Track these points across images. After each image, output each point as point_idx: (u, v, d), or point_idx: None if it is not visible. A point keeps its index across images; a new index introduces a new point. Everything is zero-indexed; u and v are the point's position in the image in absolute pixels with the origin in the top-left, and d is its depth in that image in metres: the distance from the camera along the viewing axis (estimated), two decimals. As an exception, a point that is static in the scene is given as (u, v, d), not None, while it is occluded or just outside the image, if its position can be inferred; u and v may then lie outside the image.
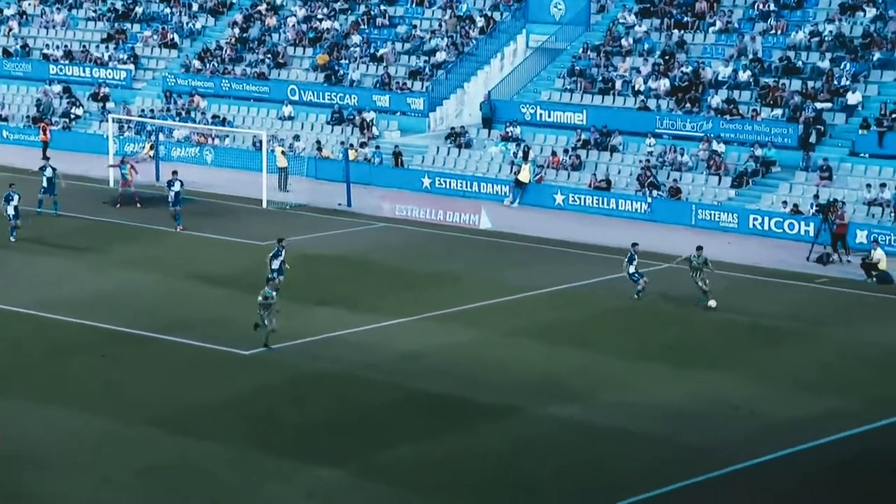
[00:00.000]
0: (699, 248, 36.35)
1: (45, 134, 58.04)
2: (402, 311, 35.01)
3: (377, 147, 54.05)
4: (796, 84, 49.77)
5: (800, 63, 50.58)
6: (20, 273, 39.10)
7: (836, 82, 49.18)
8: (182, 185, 45.19)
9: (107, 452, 25.63)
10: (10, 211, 41.99)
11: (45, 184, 46.00)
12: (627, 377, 30.01)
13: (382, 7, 60.77)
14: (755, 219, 45.45)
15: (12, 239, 41.79)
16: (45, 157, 56.58)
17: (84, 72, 62.69)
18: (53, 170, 46.64)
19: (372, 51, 58.65)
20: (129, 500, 23.62)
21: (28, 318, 34.08)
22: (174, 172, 45.87)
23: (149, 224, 45.14)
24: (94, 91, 61.37)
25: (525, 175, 49.65)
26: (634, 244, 37.07)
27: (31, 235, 42.99)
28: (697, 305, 35.62)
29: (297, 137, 55.09)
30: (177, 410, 27.74)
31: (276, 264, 35.05)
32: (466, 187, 50.77)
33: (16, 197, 42.31)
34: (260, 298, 31.24)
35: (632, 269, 36.44)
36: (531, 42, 57.53)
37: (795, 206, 45.15)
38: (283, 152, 51.74)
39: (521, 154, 50.66)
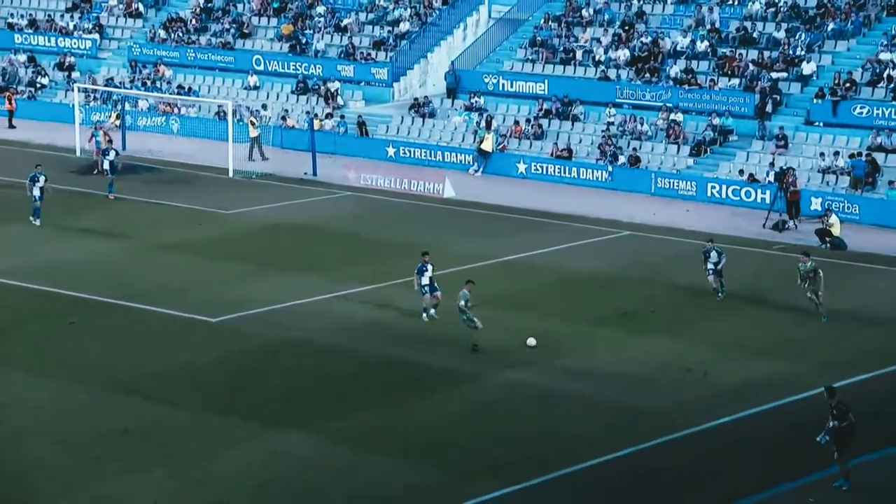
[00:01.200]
0: (806, 255, 32.85)
1: (10, 103, 57.69)
2: (365, 280, 35.03)
3: (342, 117, 53.90)
4: (753, 54, 49.90)
5: (756, 33, 50.70)
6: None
7: (791, 52, 49.31)
8: (117, 154, 45.05)
9: (65, 416, 25.62)
10: (36, 192, 41.43)
11: (37, 192, 41.72)
12: (584, 343, 30.15)
13: (347, -22, 60.56)
14: (713, 187, 45.62)
15: (36, 222, 41.01)
16: (11, 125, 56.40)
17: (49, 41, 62.26)
18: (45, 178, 42.55)
19: (336, 21, 58.41)
20: (83, 459, 23.61)
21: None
22: (109, 141, 45.77)
23: (117, 194, 44.89)
24: (60, 60, 60.93)
25: (488, 144, 49.66)
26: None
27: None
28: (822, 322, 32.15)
29: (263, 107, 54.86)
30: (139, 376, 27.71)
31: (424, 280, 31.55)
32: (430, 156, 50.75)
33: (41, 178, 41.69)
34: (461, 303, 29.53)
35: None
36: (493, 13, 57.51)
37: (752, 174, 45.34)
38: (253, 122, 51.50)
39: (484, 123, 50.65)
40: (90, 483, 22.68)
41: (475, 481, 22.92)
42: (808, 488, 22.66)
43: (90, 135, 48.95)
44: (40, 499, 22.05)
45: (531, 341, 29.68)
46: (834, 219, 40.13)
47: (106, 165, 44.34)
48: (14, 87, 59.88)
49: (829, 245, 39.54)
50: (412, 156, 50.85)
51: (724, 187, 45.47)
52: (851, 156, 44.70)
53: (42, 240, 39.05)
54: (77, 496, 22.14)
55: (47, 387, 27.01)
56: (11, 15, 64.29)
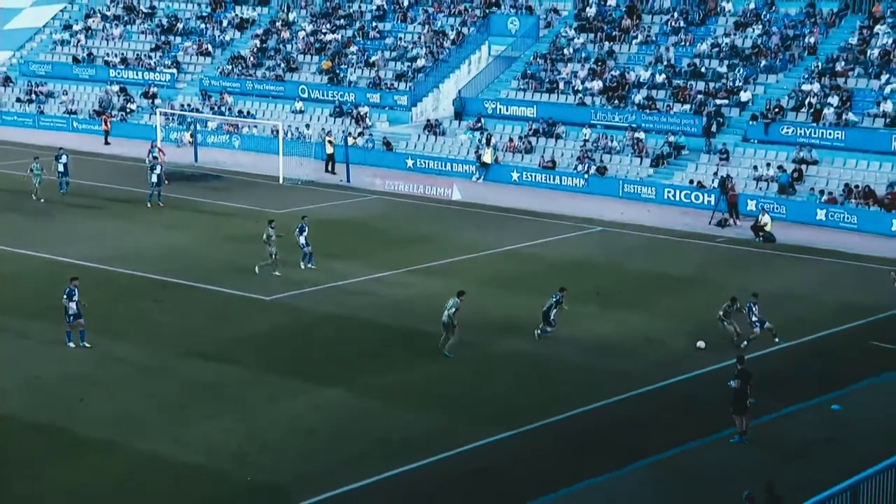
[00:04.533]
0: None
1: (106, 125, 57.76)
2: (391, 265, 35.09)
3: (370, 135, 53.90)
4: (701, 85, 49.83)
5: (703, 68, 50.63)
6: (79, 233, 38.90)
7: (731, 84, 49.25)
8: (162, 168, 43.48)
9: (153, 375, 25.71)
10: (60, 168, 41.59)
11: (60, 168, 43.65)
12: (567, 317, 30.15)
13: (374, 23, 60.48)
14: (669, 191, 45.60)
15: (62, 192, 41.35)
16: (107, 142, 56.48)
17: (137, 75, 62.28)
18: (68, 156, 44.50)
19: (366, 58, 58.39)
20: (168, 409, 23.69)
21: (90, 269, 33.91)
22: (154, 158, 44.32)
23: (190, 197, 44.93)
24: (145, 90, 60.98)
25: (488, 157, 49.63)
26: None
27: (84, 203, 42.77)
28: None
29: (307, 126, 54.90)
30: (210, 343, 27.79)
31: (551, 312, 28.19)
32: (441, 167, 50.74)
33: (65, 156, 41.90)
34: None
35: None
36: (493, 51, 57.42)
37: (699, 182, 45.32)
38: (330, 142, 51.24)
39: (484, 140, 50.62)
40: (174, 428, 22.78)
41: (481, 427, 22.99)
42: (719, 442, 22.41)
43: (147, 150, 48.81)
44: (135, 440, 22.12)
45: (701, 344, 27.49)
46: (767, 217, 40.11)
47: (154, 178, 42.89)
48: (109, 111, 59.95)
49: (762, 238, 39.55)
50: (427, 166, 50.84)
51: (677, 192, 45.44)
52: (779, 168, 44.66)
53: (130, 233, 39.09)
54: (164, 438, 22.23)
55: (139, 351, 27.10)
56: (107, 54, 64.37)
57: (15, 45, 66.97)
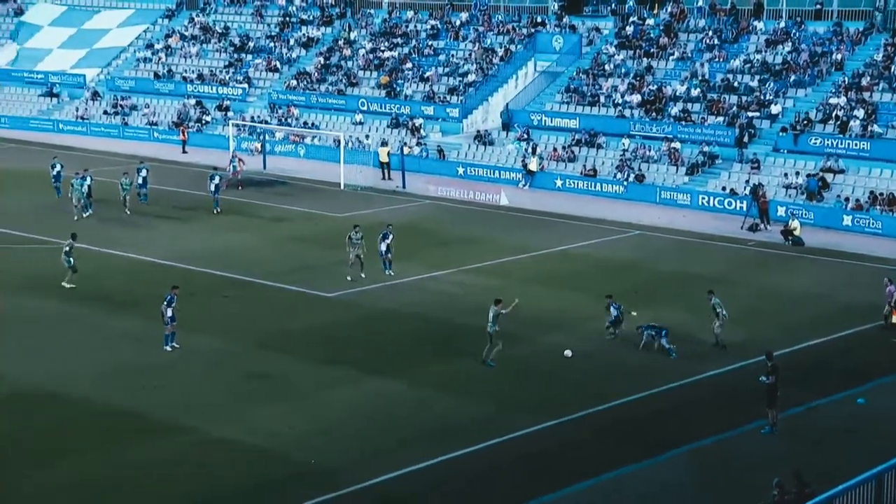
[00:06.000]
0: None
1: (183, 135, 58.21)
2: (443, 265, 34.96)
3: (425, 144, 53.82)
4: (733, 98, 49.14)
5: (736, 83, 49.94)
6: (157, 234, 39.23)
7: (762, 97, 48.54)
8: (221, 178, 42.76)
9: (222, 363, 25.77)
10: (139, 180, 41.93)
11: (139, 180, 43.29)
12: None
13: (429, 41, 60.41)
14: (703, 198, 45.00)
15: (143, 202, 41.73)
16: (184, 151, 56.95)
17: (212, 89, 62.71)
18: (147, 170, 44.34)
19: (421, 73, 58.34)
20: (235, 396, 23.69)
21: (165, 266, 34.11)
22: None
23: (258, 201, 45.17)
24: (219, 103, 61.39)
25: (533, 165, 49.33)
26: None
27: (163, 206, 43.14)
28: None
29: (366, 136, 54.95)
30: (275, 335, 27.81)
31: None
32: (490, 174, 50.51)
33: (145, 169, 42.17)
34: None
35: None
36: (538, 67, 57.08)
37: (732, 189, 44.69)
38: (388, 152, 51.16)
39: (530, 150, 50.33)
40: (241, 414, 22.79)
41: (525, 416, 22.77)
42: (750, 433, 22.03)
43: (229, 160, 48.98)
44: (204, 425, 22.18)
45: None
46: (796, 223, 39.49)
47: (212, 188, 42.46)
48: (186, 123, 60.43)
49: (791, 242, 38.90)
50: (476, 174, 50.64)
51: (711, 198, 44.83)
52: (808, 175, 43.91)
53: (202, 234, 39.32)
54: (231, 423, 22.25)
55: (209, 342, 27.22)
56: (185, 71, 64.94)
57: (103, 62, 67.77)
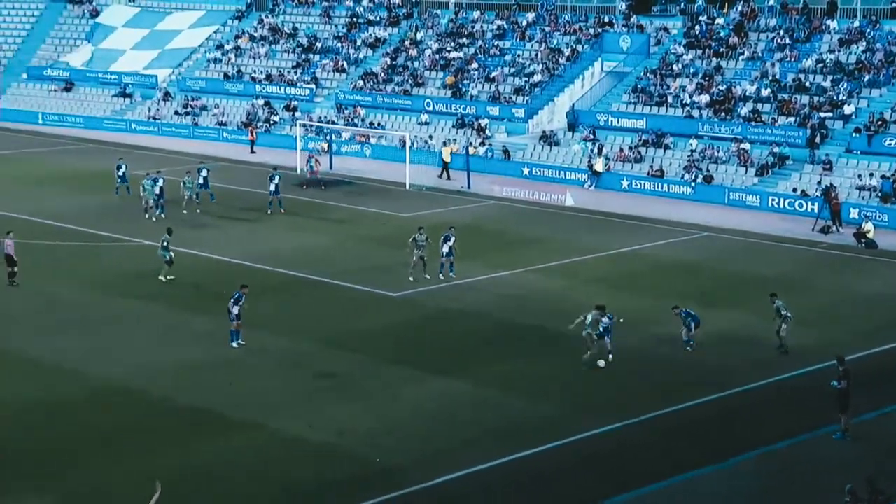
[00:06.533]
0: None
1: (252, 135, 58.91)
2: (508, 265, 34.92)
3: (490, 144, 53.80)
4: (805, 99, 48.35)
5: (808, 83, 49.12)
6: (227, 234, 39.72)
7: (835, 97, 47.67)
8: (280, 178, 42.51)
9: (291, 362, 26.01)
10: (200, 180, 42.67)
11: (200, 181, 43.46)
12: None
13: (495, 42, 60.38)
14: (773, 199, 44.35)
15: (197, 201, 42.22)
16: (253, 151, 57.64)
17: (280, 90, 63.39)
18: (208, 170, 44.48)
19: (486, 74, 58.34)
20: (303, 394, 23.92)
21: (234, 265, 34.52)
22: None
23: (324, 201, 45.55)
24: (287, 104, 62.04)
25: (599, 166, 49.05)
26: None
27: (231, 206, 43.59)
28: None
29: (430, 137, 55.08)
30: (342, 334, 28.01)
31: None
32: (555, 175, 50.33)
33: (205, 169, 42.89)
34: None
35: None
36: (605, 67, 56.73)
37: (803, 190, 43.97)
38: (451, 152, 51.29)
39: (596, 150, 50.04)
40: (309, 411, 23.00)
41: (590, 417, 22.66)
42: (821, 438, 21.68)
43: (306, 160, 49.47)
44: (275, 422, 22.44)
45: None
46: (869, 225, 38.77)
47: (272, 187, 42.53)
48: (255, 123, 61.16)
49: (864, 244, 38.17)
50: (542, 174, 50.49)
51: (781, 200, 44.16)
52: (882, 177, 43.03)
53: (269, 233, 39.73)
54: (300, 421, 22.47)
55: (278, 341, 27.51)
56: (254, 71, 65.74)
57: (174, 63, 68.94)
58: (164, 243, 32.39)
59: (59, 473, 20.09)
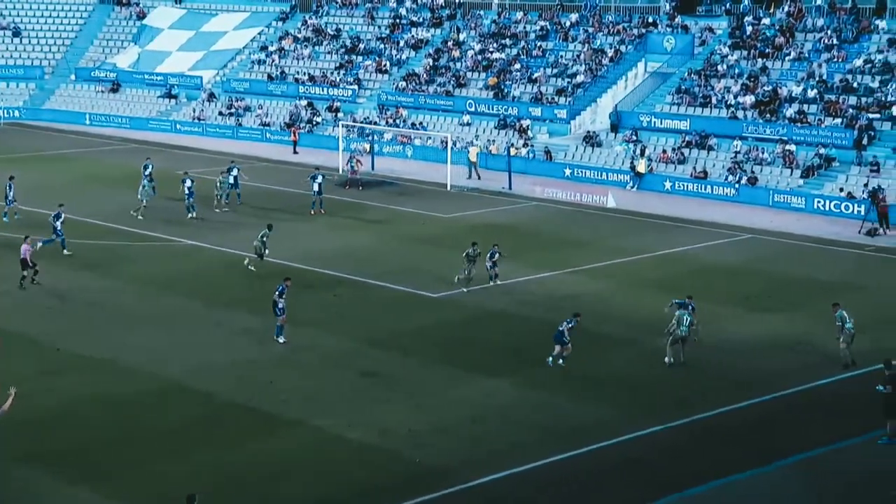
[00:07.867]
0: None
1: (294, 136, 59.29)
2: (550, 266, 34.88)
3: (532, 146, 53.78)
4: (852, 100, 47.83)
5: (855, 84, 48.58)
6: (274, 235, 39.89)
7: (883, 98, 47.09)
8: (324, 177, 42.81)
9: (335, 361, 26.18)
10: (230, 180, 43.10)
11: (231, 180, 43.71)
12: (715, 320, 29.38)
13: (538, 42, 60.32)
14: (818, 201, 43.93)
15: (226, 200, 42.61)
16: (295, 151, 57.98)
17: (322, 91, 63.75)
18: (238, 169, 44.68)
19: (528, 74, 58.30)
20: (346, 393, 24.03)
21: (277, 265, 34.42)
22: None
23: (366, 201, 45.73)
24: (329, 105, 62.39)
25: (642, 167, 48.85)
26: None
27: (274, 206, 43.82)
28: None
29: (476, 138, 55.08)
30: (384, 334, 28.11)
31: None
32: (597, 176, 50.20)
33: (236, 169, 43.52)
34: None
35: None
36: (649, 68, 56.50)
37: (850, 192, 43.49)
38: (476, 152, 51.47)
39: (638, 151, 49.83)
40: (352, 410, 23.12)
41: (635, 419, 22.59)
42: (866, 443, 21.45)
43: (347, 160, 49.69)
44: (318, 420, 22.57)
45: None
46: (917, 227, 38.25)
47: (315, 187, 42.79)
48: (297, 124, 61.58)
49: (911, 248, 37.69)
50: (584, 175, 50.38)
51: (826, 202, 43.73)
52: (931, 178, 42.47)
53: (312, 233, 39.94)
54: (343, 419, 22.60)
55: (321, 340, 27.69)
56: (297, 73, 66.17)
57: (219, 64, 69.58)
58: (264, 238, 34.00)
59: (117, 471, 20.31)
